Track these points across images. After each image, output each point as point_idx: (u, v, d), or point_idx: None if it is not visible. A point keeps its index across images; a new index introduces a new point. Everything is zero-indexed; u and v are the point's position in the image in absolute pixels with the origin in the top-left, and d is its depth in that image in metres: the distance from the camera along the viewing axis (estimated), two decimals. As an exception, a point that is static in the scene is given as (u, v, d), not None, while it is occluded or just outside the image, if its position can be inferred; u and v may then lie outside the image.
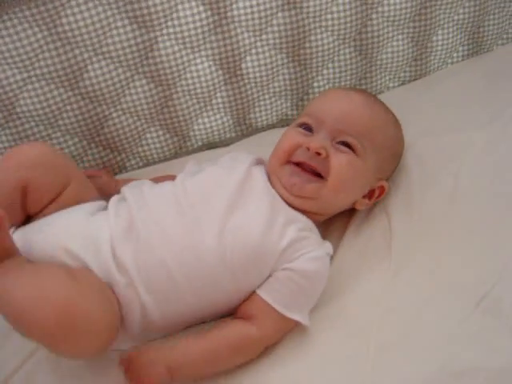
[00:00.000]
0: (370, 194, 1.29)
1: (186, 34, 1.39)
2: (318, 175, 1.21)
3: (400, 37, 1.56)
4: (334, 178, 1.20)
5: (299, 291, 1.15)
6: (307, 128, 1.26)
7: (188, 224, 1.14)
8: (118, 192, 1.27)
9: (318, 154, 1.19)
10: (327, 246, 1.21)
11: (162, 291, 1.12)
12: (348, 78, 1.59)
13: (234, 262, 1.13)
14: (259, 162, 1.32)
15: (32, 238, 1.15)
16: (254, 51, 1.48)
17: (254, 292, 1.15)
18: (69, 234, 1.15)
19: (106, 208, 1.22)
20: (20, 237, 1.16)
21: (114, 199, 1.23)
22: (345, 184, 1.22)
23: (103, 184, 1.42)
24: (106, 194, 1.35)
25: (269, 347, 1.14)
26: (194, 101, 1.51)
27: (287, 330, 1.15)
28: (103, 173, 1.46)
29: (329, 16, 1.47)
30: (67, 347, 0.98)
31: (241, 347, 1.11)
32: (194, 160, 1.38)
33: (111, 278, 1.10)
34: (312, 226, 1.22)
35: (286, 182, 1.21)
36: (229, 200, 1.17)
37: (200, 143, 1.59)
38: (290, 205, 1.22)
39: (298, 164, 1.22)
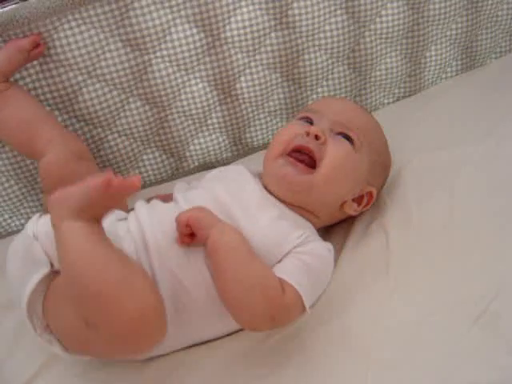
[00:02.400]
0: (358, 199, 1.29)
1: (179, 55, 1.40)
2: (312, 166, 1.21)
3: (393, 53, 1.57)
4: (327, 165, 1.20)
5: (304, 267, 1.13)
6: (308, 121, 1.27)
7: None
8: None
9: (317, 138, 1.20)
10: (328, 244, 1.21)
11: (175, 298, 1.11)
12: (343, 95, 1.60)
13: None
14: (252, 172, 1.31)
15: None
16: (248, 71, 1.48)
17: None
18: None
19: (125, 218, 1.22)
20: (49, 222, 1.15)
21: (132, 214, 1.22)
22: (337, 173, 1.22)
23: None
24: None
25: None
26: (190, 122, 1.51)
27: (296, 311, 1.12)
28: None
29: (322, 35, 1.48)
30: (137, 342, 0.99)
31: (263, 277, 1.08)
32: (181, 182, 1.38)
33: None
34: (313, 230, 1.22)
35: (278, 174, 1.22)
36: (231, 215, 1.16)
37: (196, 164, 1.59)
38: (283, 201, 1.22)
39: (293, 152, 1.22)
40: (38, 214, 1.21)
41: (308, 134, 1.21)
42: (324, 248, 1.19)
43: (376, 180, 1.31)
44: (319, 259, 1.16)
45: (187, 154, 1.56)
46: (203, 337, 1.18)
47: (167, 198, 1.31)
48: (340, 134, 1.23)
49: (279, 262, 1.14)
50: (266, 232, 1.15)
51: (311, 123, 1.26)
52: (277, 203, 1.22)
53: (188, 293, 1.11)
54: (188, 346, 1.19)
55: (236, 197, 1.20)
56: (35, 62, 1.30)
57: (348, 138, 1.23)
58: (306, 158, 1.21)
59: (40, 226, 1.16)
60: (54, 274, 1.10)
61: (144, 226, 1.15)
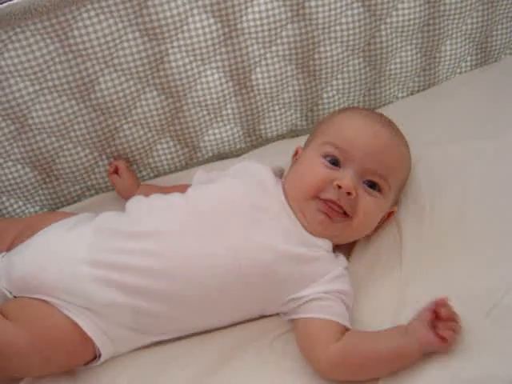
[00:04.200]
0: (381, 220, 1.30)
1: (196, 46, 1.40)
2: (344, 213, 1.20)
3: (408, 47, 1.57)
4: (359, 220, 1.21)
5: (341, 305, 1.17)
6: (333, 160, 1.23)
7: (199, 239, 1.17)
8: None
9: (349, 193, 1.18)
10: (342, 261, 1.23)
11: (172, 301, 1.15)
12: (357, 88, 1.60)
13: (249, 279, 1.15)
14: (275, 172, 1.32)
15: (11, 259, 1.21)
16: (263, 63, 1.48)
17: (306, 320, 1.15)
18: (43, 255, 1.19)
19: (82, 221, 1.28)
20: (4, 259, 1.22)
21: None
22: (368, 224, 1.25)
23: (125, 187, 1.48)
24: (125, 196, 1.43)
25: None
26: (205, 112, 1.52)
27: None
28: (129, 176, 1.49)
29: (338, 27, 1.48)
30: None
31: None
32: (202, 170, 1.40)
33: (89, 299, 1.14)
34: (327, 245, 1.23)
35: (312, 219, 1.21)
36: (243, 217, 1.19)
37: (210, 154, 1.59)
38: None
39: (325, 201, 1.21)
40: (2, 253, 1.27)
41: (339, 187, 1.18)
42: (341, 274, 1.20)
43: (397, 197, 1.33)
44: (349, 294, 1.19)
45: (201, 144, 1.57)
46: (214, 324, 1.22)
47: (180, 189, 1.33)
48: (369, 182, 1.22)
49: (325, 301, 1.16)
50: (276, 251, 1.17)
51: (337, 163, 1.23)
52: (293, 220, 1.22)
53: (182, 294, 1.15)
54: (201, 331, 1.22)
55: (255, 207, 1.21)
56: (54, 54, 1.31)
57: (376, 184, 1.22)
58: (337, 210, 1.20)
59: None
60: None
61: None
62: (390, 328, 1.12)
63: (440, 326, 1.06)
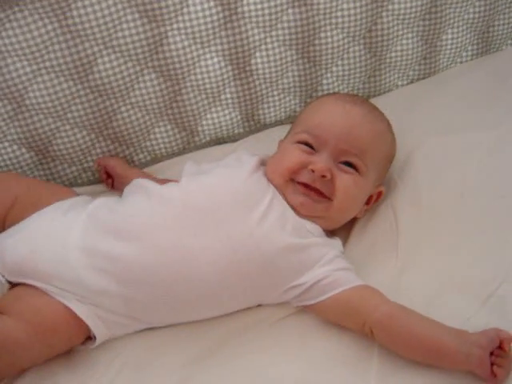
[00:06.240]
0: (368, 200, 1.30)
1: (196, 29, 1.39)
2: (323, 195, 1.21)
3: (410, 35, 1.56)
4: (339, 199, 1.21)
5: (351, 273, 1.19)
6: (308, 146, 1.25)
7: (197, 232, 1.16)
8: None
9: (323, 176, 1.19)
10: (337, 245, 1.23)
11: (158, 291, 1.15)
12: (357, 75, 1.59)
13: (248, 272, 1.15)
14: (263, 163, 1.32)
15: (4, 242, 1.20)
16: (263, 47, 1.48)
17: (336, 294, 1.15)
18: (36, 240, 1.18)
19: (78, 204, 1.27)
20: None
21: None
22: (350, 203, 1.25)
23: (114, 174, 1.48)
24: (117, 186, 1.46)
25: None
26: (203, 96, 1.51)
27: None
28: (115, 161, 1.49)
29: (339, 13, 1.47)
30: None
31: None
32: (191, 161, 1.39)
33: (82, 285, 1.13)
34: (319, 231, 1.23)
35: (293, 202, 1.22)
36: (240, 209, 1.18)
37: (208, 138, 1.59)
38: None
39: (299, 183, 1.22)
40: None
41: (313, 171, 1.20)
42: (338, 254, 1.21)
43: (383, 177, 1.33)
44: (352, 269, 1.20)
45: (199, 128, 1.56)
46: (210, 315, 1.21)
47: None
48: (344, 162, 1.23)
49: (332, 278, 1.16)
50: (271, 237, 1.17)
51: (312, 147, 1.24)
52: (287, 207, 1.22)
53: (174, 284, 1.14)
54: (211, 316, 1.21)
55: (251, 196, 1.21)
56: (52, 34, 1.30)
57: (352, 164, 1.23)
58: (314, 191, 1.22)
59: None
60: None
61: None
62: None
63: (498, 362, 1.00)
